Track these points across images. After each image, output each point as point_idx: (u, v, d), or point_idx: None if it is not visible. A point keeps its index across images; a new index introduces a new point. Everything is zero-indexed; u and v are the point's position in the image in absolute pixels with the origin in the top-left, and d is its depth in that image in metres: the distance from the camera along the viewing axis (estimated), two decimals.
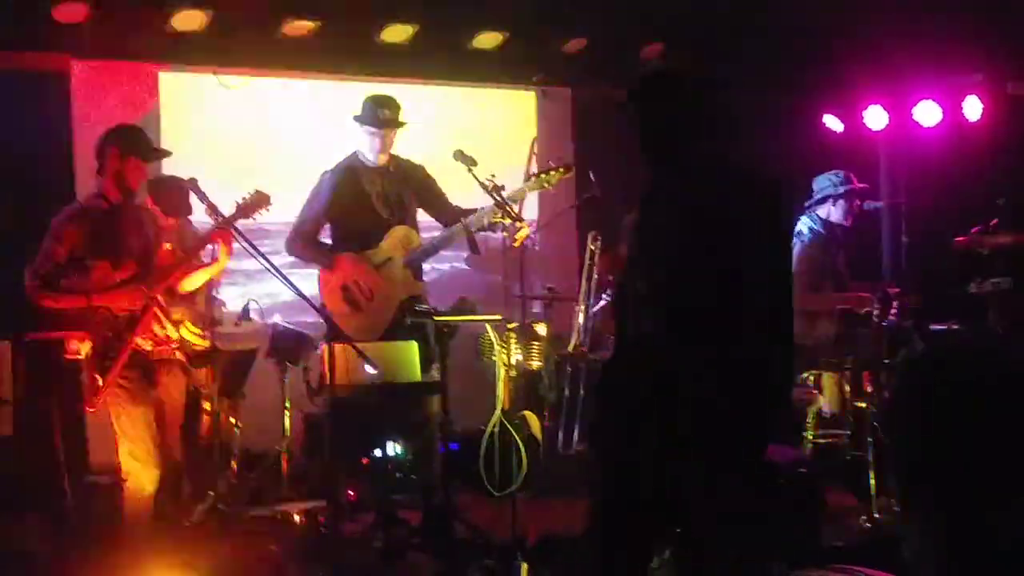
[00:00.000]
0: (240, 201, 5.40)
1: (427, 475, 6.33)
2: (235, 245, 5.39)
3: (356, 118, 6.61)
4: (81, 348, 5.28)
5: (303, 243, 6.60)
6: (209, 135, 8.27)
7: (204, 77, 8.36)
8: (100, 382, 5.06)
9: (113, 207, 5.30)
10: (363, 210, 6.53)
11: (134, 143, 5.33)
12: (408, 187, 6.68)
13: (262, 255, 5.09)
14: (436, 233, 6.76)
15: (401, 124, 6.61)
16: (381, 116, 6.55)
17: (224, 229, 5.33)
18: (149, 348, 5.27)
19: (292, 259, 6.62)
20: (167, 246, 5.48)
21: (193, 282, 5.53)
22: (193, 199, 5.79)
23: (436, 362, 6.07)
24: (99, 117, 7.44)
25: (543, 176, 6.44)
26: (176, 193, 6.32)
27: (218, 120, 8.36)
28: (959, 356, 1.75)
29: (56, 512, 5.78)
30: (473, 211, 6.39)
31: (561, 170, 6.49)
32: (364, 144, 6.61)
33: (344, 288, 6.43)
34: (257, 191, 5.44)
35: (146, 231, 5.44)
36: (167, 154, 5.65)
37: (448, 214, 6.66)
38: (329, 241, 6.72)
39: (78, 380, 5.26)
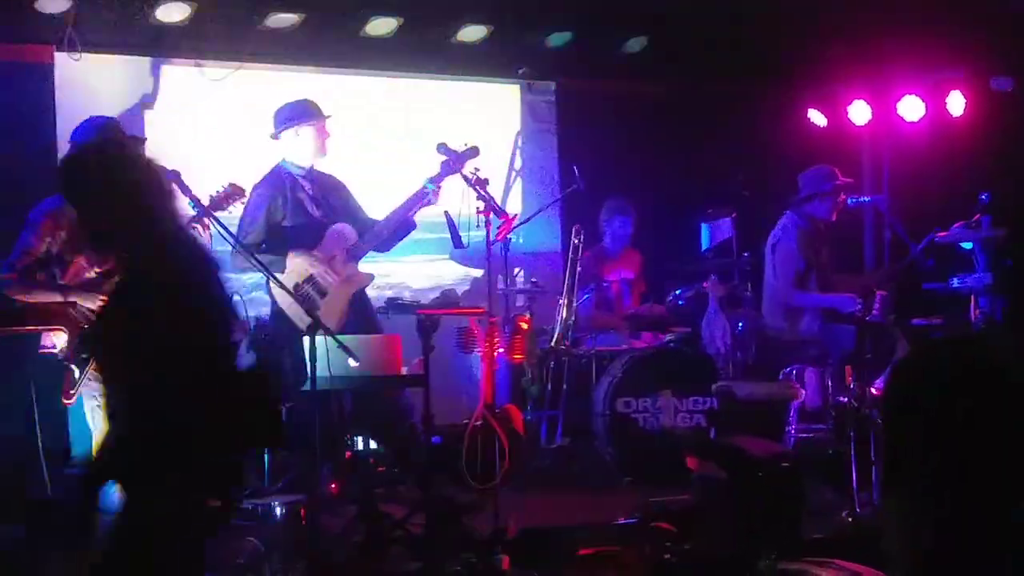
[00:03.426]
0: (214, 194, 5.40)
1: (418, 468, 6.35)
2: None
3: (292, 121, 6.75)
4: (56, 342, 5.27)
5: (246, 254, 6.61)
6: (192, 128, 8.24)
7: (188, 69, 8.33)
8: (76, 375, 5.06)
9: None
10: (299, 214, 6.68)
11: (111, 135, 5.32)
12: (332, 190, 6.83)
13: (242, 245, 5.08)
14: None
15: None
16: (320, 108, 6.76)
17: (200, 220, 5.32)
18: None
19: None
20: None
21: None
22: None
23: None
24: (83, 110, 7.41)
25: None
26: None
27: (202, 112, 8.33)
28: (948, 355, 1.76)
29: (35, 505, 5.75)
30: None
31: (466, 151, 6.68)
32: (297, 148, 6.78)
33: (296, 288, 6.43)
34: (231, 183, 5.45)
35: None
36: (143, 141, 5.61)
37: (362, 222, 6.84)
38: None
39: (55, 373, 5.25)
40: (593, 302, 8.30)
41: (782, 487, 5.33)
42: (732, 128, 9.25)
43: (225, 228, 5.21)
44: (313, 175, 6.82)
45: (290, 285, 6.36)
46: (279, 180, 6.73)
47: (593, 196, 8.33)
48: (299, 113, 6.77)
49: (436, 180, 6.58)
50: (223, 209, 5.42)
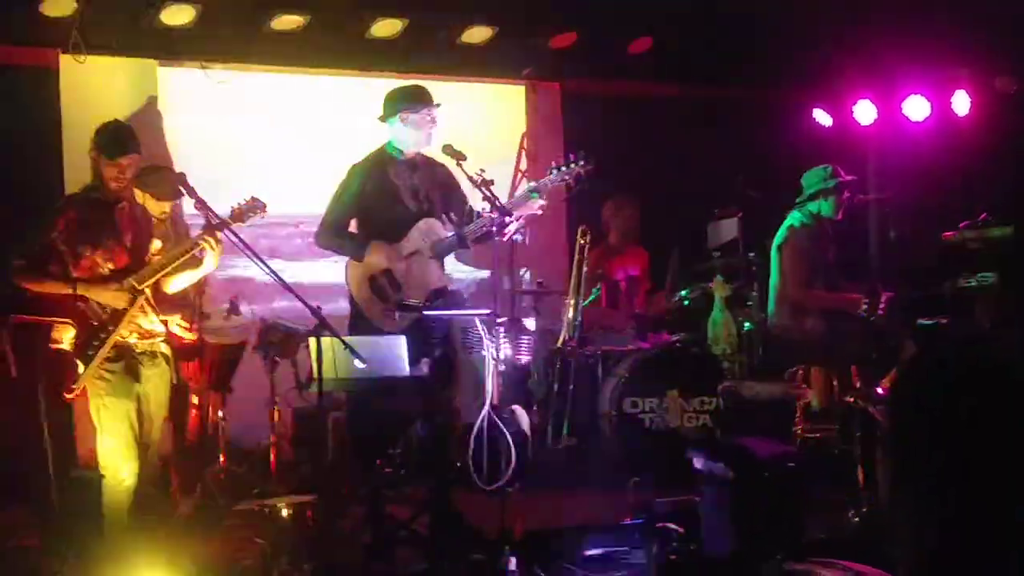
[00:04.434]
0: (235, 206, 5.40)
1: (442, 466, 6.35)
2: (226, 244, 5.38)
3: (398, 107, 6.58)
4: (63, 336, 5.28)
5: (332, 234, 6.57)
6: (199, 130, 8.25)
7: (193, 72, 8.34)
8: (81, 369, 5.07)
9: (108, 199, 5.30)
10: (392, 202, 6.51)
11: (101, 139, 5.33)
12: (434, 182, 6.67)
13: (255, 255, 5.09)
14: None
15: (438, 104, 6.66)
16: (430, 96, 6.57)
17: (212, 231, 5.31)
18: (134, 341, 5.28)
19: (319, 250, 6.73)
20: (157, 244, 5.47)
21: (181, 282, 5.52)
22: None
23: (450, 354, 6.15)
24: (88, 113, 7.43)
25: (564, 168, 6.45)
26: (166, 179, 6.32)
27: (208, 115, 8.34)
28: (952, 354, 1.76)
29: (40, 505, 5.76)
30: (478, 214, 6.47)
31: (581, 163, 6.49)
32: (401, 134, 6.58)
33: (371, 279, 6.40)
34: (252, 197, 5.44)
35: (140, 226, 5.44)
36: (132, 153, 5.51)
37: (463, 216, 6.63)
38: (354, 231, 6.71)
39: (61, 368, 5.26)
40: (600, 301, 8.30)
41: (788, 487, 5.33)
42: (737, 128, 9.25)
43: (237, 236, 5.20)
44: (416, 163, 6.63)
45: (366, 276, 6.34)
46: (377, 163, 6.58)
47: (598, 197, 8.32)
48: (406, 100, 6.62)
49: (539, 188, 6.43)
50: (242, 222, 5.41)
